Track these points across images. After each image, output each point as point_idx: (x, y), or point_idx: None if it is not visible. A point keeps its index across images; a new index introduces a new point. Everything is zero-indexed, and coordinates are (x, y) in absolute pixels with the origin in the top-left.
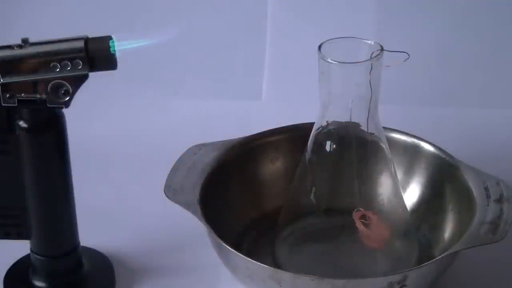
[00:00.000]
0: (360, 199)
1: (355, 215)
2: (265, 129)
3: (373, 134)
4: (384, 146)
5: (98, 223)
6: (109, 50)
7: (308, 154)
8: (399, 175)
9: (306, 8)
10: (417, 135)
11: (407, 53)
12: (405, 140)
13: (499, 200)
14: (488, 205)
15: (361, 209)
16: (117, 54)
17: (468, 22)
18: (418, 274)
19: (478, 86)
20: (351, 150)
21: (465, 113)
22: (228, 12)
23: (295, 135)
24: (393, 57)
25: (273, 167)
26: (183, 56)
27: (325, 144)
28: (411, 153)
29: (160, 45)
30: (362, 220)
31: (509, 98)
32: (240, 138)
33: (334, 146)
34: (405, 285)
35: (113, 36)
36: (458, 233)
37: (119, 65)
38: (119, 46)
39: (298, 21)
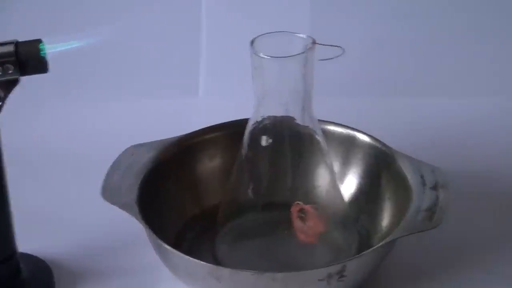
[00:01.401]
0: (298, 193)
1: (293, 209)
2: (203, 127)
3: (308, 127)
4: (319, 139)
5: (36, 228)
6: (39, 53)
7: (244, 150)
8: (336, 167)
9: (241, 3)
10: (352, 126)
11: (341, 47)
12: (340, 132)
13: (435, 187)
14: (424, 193)
15: (299, 202)
16: (48, 57)
17: (401, 12)
18: (357, 264)
19: (411, 76)
20: (286, 144)
21: (398, 103)
22: (162, 9)
23: (232, 132)
24: (327, 50)
25: (211, 164)
26: (116, 56)
27: (261, 139)
28: (347, 145)
29: (92, 46)
30: (301, 214)
31: (441, 87)
32: (177, 136)
33: (270, 140)
34: (345, 275)
35: (43, 39)
36: (396, 221)
37: (52, 67)
38: (50, 49)
39: (233, 17)
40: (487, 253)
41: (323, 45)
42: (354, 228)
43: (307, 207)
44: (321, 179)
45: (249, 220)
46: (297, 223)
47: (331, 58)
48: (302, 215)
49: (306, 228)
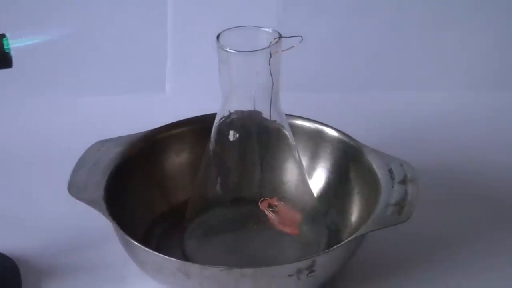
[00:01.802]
0: (266, 188)
1: (262, 205)
2: (170, 122)
3: (276, 121)
4: (287, 133)
5: (3, 226)
6: (3, 48)
7: (212, 144)
8: (305, 161)
9: None
10: (320, 121)
11: (301, 36)
12: (308, 127)
13: (403, 181)
14: (393, 187)
15: (266, 198)
16: (12, 52)
17: (369, 6)
18: (326, 259)
19: (378, 69)
20: (254, 139)
21: (366, 97)
22: (127, 4)
23: (200, 127)
24: (290, 42)
25: (179, 159)
26: (82, 51)
27: (228, 134)
28: (315, 139)
29: (57, 41)
30: (270, 209)
31: (409, 80)
32: (144, 132)
33: (237, 135)
34: (314, 270)
35: (6, 34)
36: (365, 216)
37: (16, 62)
38: (13, 44)
39: (199, 11)
40: (456, 247)
41: (287, 37)
42: (324, 223)
43: (274, 200)
44: (290, 174)
45: (217, 216)
46: (272, 216)
47: (292, 47)
48: (273, 209)
49: (283, 219)
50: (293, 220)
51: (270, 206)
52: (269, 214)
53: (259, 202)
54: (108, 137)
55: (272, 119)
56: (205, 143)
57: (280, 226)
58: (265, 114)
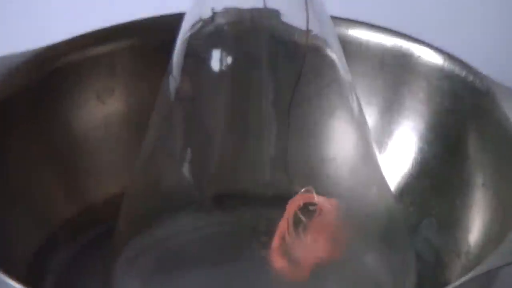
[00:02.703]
0: (288, 173)
1: (293, 205)
2: (90, 30)
3: (312, 32)
4: (335, 58)
5: None
6: None
7: (174, 80)
8: (372, 117)
9: None
10: (408, 32)
11: None
12: (381, 44)
13: None
14: None
15: (309, 189)
16: None
17: None
18: None
19: None
20: (264, 70)
21: None
22: None
23: (145, 42)
24: None
25: (102, 111)
26: None
27: (209, 59)
28: (396, 70)
29: None
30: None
31: None
32: (30, 52)
33: (229, 61)
34: None
35: None
36: (497, 232)
37: None
38: None
39: None
40: None
41: None
42: (409, 246)
43: (325, 202)
44: (339, 143)
45: (183, 230)
46: (290, 234)
47: None
48: (309, 215)
49: (303, 248)
50: (314, 252)
51: (307, 208)
52: (289, 230)
53: (291, 200)
54: None
55: (304, 27)
56: (158, 77)
57: (279, 260)
58: (288, 16)
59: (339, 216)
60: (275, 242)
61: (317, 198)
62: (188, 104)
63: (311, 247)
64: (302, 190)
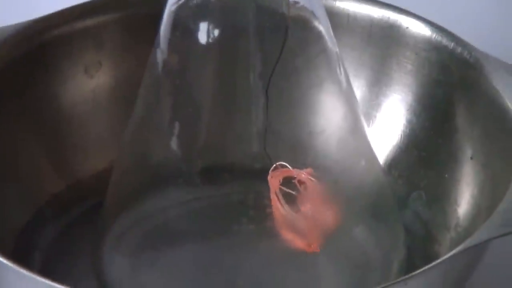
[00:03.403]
0: (275, 146)
1: (273, 179)
2: (78, 3)
3: (299, 4)
4: (322, 29)
5: None
6: None
7: (161, 53)
8: (360, 88)
9: None
10: (396, 4)
11: None
12: (369, 16)
13: None
14: None
15: (283, 164)
16: None
17: None
18: None
19: None
20: (251, 41)
21: None
22: None
23: (132, 14)
24: None
25: (90, 84)
26: None
27: (196, 31)
28: (384, 42)
29: None
30: (287, 190)
31: None
32: (24, 23)
33: (216, 33)
34: None
35: None
36: (485, 205)
37: None
38: None
39: None
40: None
41: None
42: (398, 219)
43: (303, 173)
44: (327, 115)
45: (170, 206)
46: (283, 209)
47: None
48: (292, 190)
49: (303, 219)
50: (321, 221)
51: (287, 181)
52: (278, 202)
53: (270, 173)
54: None
55: None
56: (145, 50)
57: (288, 232)
58: None
59: (326, 182)
60: (275, 215)
61: (293, 170)
62: (176, 77)
63: (307, 219)
64: (276, 164)
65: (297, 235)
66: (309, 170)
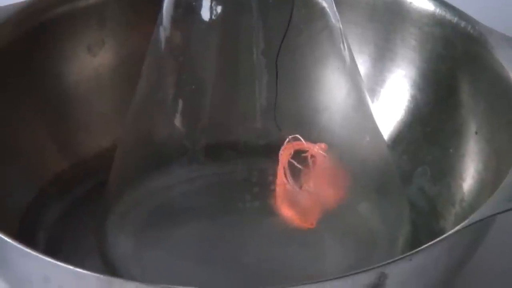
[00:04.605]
0: (281, 122)
1: (284, 151)
2: None
3: None
4: (325, 5)
5: None
6: None
7: (164, 30)
8: (364, 64)
9: None
10: None
11: None
12: None
13: None
14: None
15: (297, 137)
16: None
17: None
18: (407, 269)
19: None
20: (255, 18)
21: None
22: None
23: None
24: None
25: (93, 63)
26: None
27: (199, 8)
28: (388, 17)
29: None
30: (297, 165)
31: None
32: (27, 1)
33: (219, 10)
34: None
35: None
36: (490, 180)
37: None
38: None
39: None
40: None
41: None
42: (403, 195)
43: (316, 147)
44: (331, 92)
45: (175, 183)
46: (288, 183)
47: None
48: (299, 166)
49: (307, 195)
50: (326, 197)
51: (297, 156)
52: (282, 176)
53: (283, 146)
54: None
55: None
56: (149, 29)
57: (286, 208)
58: None
59: (333, 159)
60: (277, 191)
61: (306, 144)
62: (179, 54)
63: (313, 195)
64: (290, 138)
65: (300, 210)
66: (322, 145)
